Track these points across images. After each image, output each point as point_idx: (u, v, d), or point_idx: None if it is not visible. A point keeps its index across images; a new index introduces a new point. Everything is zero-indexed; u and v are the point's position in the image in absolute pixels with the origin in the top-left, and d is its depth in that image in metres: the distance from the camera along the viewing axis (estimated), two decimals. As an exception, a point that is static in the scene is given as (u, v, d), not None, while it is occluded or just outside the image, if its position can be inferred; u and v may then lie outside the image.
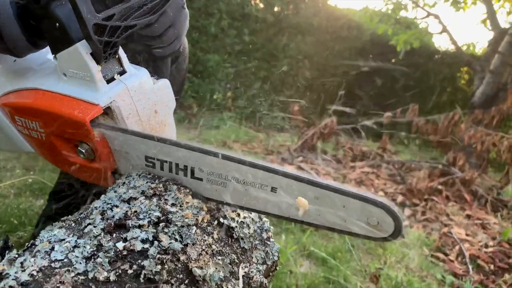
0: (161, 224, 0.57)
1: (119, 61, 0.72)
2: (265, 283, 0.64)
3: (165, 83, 0.78)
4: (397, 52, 5.86)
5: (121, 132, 0.68)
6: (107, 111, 0.69)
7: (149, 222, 0.57)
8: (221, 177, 0.63)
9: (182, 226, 0.58)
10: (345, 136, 4.81)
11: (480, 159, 3.99)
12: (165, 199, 0.62)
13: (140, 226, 0.57)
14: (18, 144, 0.86)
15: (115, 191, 0.64)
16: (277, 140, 4.48)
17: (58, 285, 0.48)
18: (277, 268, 0.71)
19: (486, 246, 2.52)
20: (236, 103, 5.36)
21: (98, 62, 0.67)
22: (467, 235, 2.65)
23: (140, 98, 0.73)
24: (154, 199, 0.61)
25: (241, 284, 0.61)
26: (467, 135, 3.78)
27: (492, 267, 2.24)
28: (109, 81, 0.70)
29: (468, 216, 3.02)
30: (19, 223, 1.52)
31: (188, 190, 0.65)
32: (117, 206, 0.60)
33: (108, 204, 0.61)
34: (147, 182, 0.65)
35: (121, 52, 0.72)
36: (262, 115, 5.33)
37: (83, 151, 0.71)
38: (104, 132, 0.69)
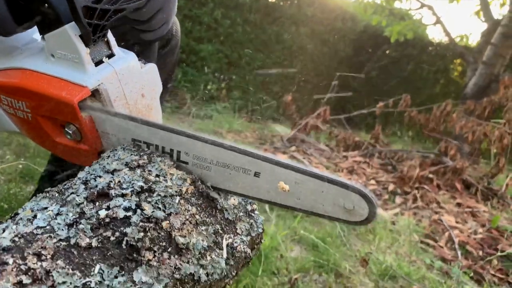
0: (144, 194, 0.58)
1: (108, 44, 0.72)
2: (249, 254, 0.65)
3: (152, 67, 0.79)
4: (391, 43, 5.87)
5: (108, 115, 0.68)
6: (95, 94, 0.69)
7: (132, 191, 0.57)
8: (206, 161, 0.63)
9: (166, 196, 0.59)
10: (338, 126, 4.83)
11: (472, 149, 4.03)
12: (149, 170, 0.62)
13: (123, 195, 0.57)
14: (3, 123, 0.85)
15: (99, 164, 0.64)
16: (271, 130, 4.49)
17: (39, 250, 0.49)
18: (262, 240, 0.71)
19: (476, 233, 2.55)
20: (229, 93, 5.35)
21: (87, 45, 0.67)
22: (457, 222, 2.68)
23: (128, 82, 0.73)
24: (138, 170, 0.62)
25: (225, 254, 0.61)
26: (459, 125, 3.81)
27: (480, 252, 2.27)
28: (98, 63, 0.70)
29: (459, 204, 3.05)
30: (9, 208, 1.52)
31: (172, 162, 0.65)
32: (100, 177, 0.60)
33: (91, 174, 0.61)
34: (131, 155, 0.65)
35: (109, 35, 0.72)
36: (255, 105, 5.33)
37: (70, 132, 0.71)
38: (92, 114, 0.69)
